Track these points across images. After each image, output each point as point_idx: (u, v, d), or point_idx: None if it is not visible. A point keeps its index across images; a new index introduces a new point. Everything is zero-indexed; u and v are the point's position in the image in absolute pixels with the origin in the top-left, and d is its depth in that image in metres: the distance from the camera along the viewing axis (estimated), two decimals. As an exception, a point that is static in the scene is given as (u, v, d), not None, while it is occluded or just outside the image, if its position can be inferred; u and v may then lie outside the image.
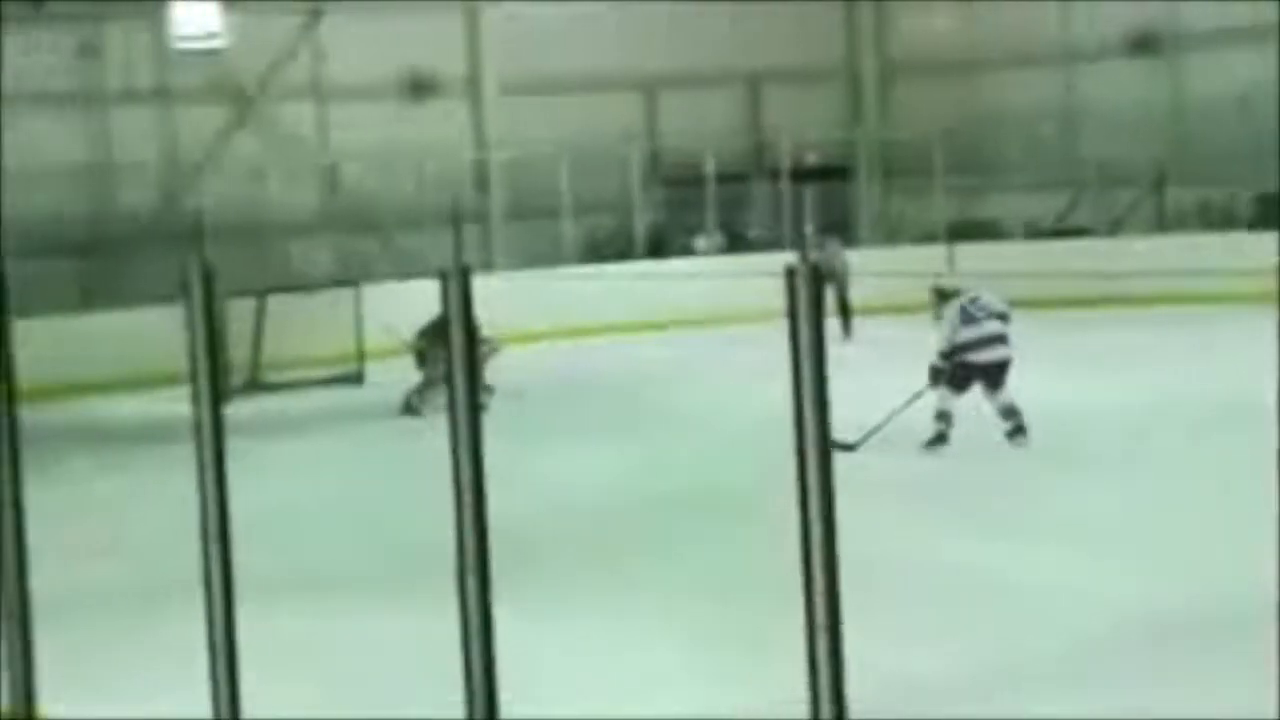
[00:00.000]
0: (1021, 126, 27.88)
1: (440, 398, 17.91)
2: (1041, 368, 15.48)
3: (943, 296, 14.06)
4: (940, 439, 13.61)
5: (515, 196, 27.28)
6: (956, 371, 13.65)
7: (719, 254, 26.75)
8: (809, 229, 24.84)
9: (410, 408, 17.48)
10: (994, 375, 13.65)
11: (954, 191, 27.19)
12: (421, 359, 17.61)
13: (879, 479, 12.31)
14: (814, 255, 22.93)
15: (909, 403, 13.76)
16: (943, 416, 13.62)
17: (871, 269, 22.48)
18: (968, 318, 13.74)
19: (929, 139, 26.79)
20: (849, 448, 13.04)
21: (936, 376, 13.68)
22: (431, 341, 16.88)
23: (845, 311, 22.71)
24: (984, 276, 15.58)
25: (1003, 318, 13.85)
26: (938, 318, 13.89)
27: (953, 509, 11.64)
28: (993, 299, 13.97)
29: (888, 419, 13.70)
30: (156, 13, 24.41)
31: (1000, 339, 13.74)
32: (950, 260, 24.43)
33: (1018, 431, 13.58)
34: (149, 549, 10.93)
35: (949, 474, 13.01)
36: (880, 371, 15.91)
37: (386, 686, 8.00)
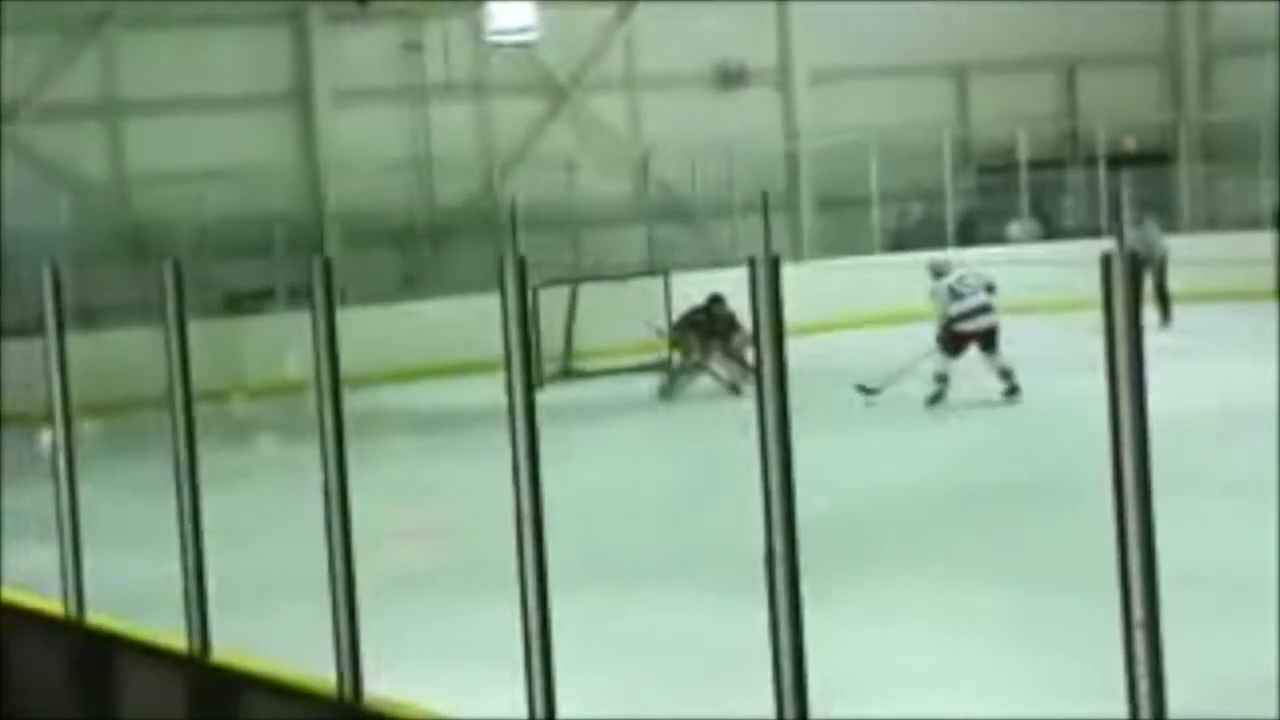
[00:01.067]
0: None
1: (692, 384, 18.53)
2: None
3: (937, 275, 16.43)
4: (938, 398, 15.85)
5: (825, 186, 27.18)
6: (952, 339, 15.93)
7: (1033, 241, 26.25)
8: (1126, 212, 24.21)
9: (665, 393, 18.69)
10: (986, 340, 15.85)
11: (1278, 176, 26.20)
12: (681, 348, 18.82)
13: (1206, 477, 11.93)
14: (1130, 235, 22.41)
15: (918, 360, 16.09)
16: (941, 378, 15.87)
17: (1192, 256, 21.82)
18: (956, 295, 16.10)
19: (1253, 122, 25.88)
20: (873, 392, 16.17)
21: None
22: (685, 331, 18.72)
23: (1164, 298, 22.08)
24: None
25: (990, 289, 16.04)
26: (933, 295, 16.24)
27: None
28: (979, 274, 16.23)
29: (901, 372, 16.11)
30: (474, 9, 24.96)
31: (987, 309, 15.95)
32: (1278, 247, 23.56)
33: (1013, 392, 15.74)
34: (467, 532, 11.18)
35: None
36: (1196, 360, 15.46)
37: (687, 681, 8.04)
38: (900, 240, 26.82)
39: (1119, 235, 23.43)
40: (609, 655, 8.33)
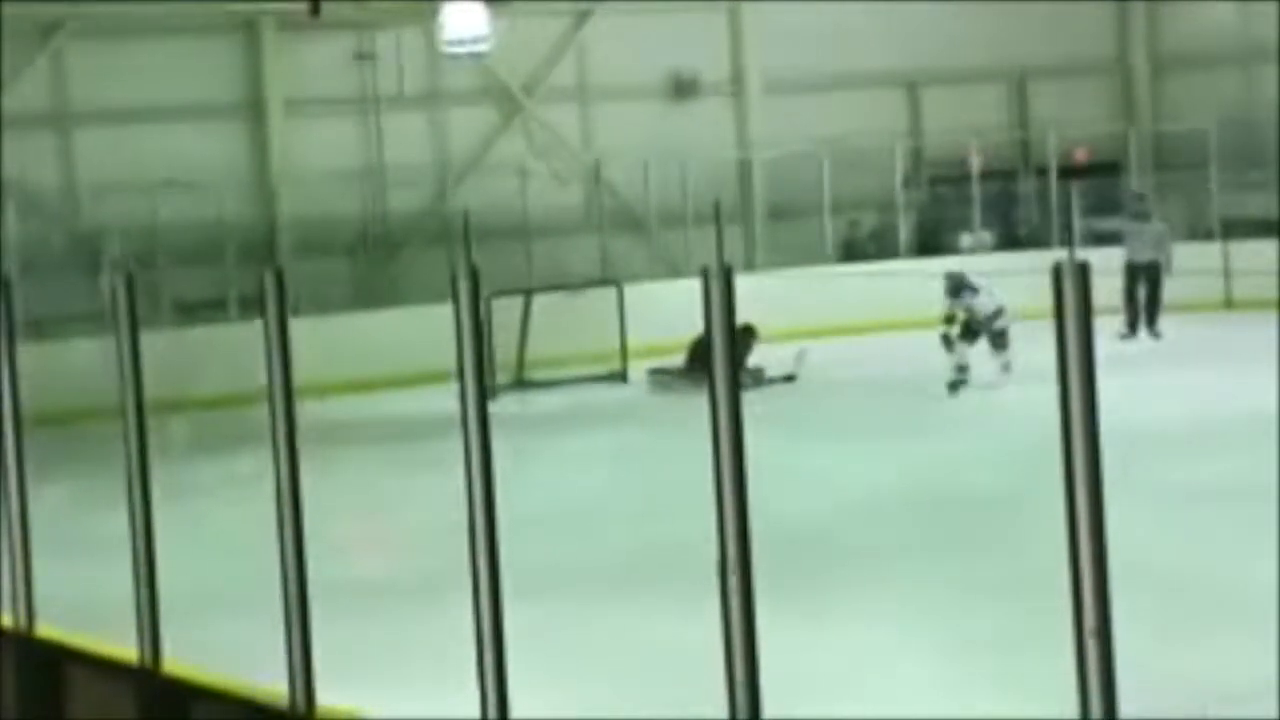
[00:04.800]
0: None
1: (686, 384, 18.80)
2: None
3: (955, 287, 18.40)
4: (959, 385, 17.93)
5: (777, 196, 27.24)
6: (972, 333, 18.22)
7: (986, 252, 26.36)
8: (1142, 203, 23.98)
9: (658, 386, 19.73)
10: (999, 337, 18.14)
11: (1228, 187, 26.39)
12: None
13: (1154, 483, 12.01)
14: (1140, 233, 22.30)
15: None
16: (962, 369, 18.00)
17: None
18: (976, 296, 18.31)
19: (1202, 134, 26.07)
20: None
21: (947, 343, 18.18)
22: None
23: (1155, 306, 21.86)
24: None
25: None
26: (956, 298, 18.39)
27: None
28: (990, 286, 18.31)
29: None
30: (428, 19, 24.93)
31: (1002, 311, 18.16)
32: (1225, 257, 23.79)
33: (1005, 369, 17.91)
34: (419, 542, 11.16)
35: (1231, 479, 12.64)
36: (1152, 369, 15.56)
37: (645, 686, 8.05)
38: (852, 250, 26.92)
39: (1070, 246, 23.55)
40: (568, 663, 8.33)
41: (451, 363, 4.20)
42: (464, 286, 4.08)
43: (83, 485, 12.44)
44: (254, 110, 24.93)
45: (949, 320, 18.40)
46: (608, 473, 14.64)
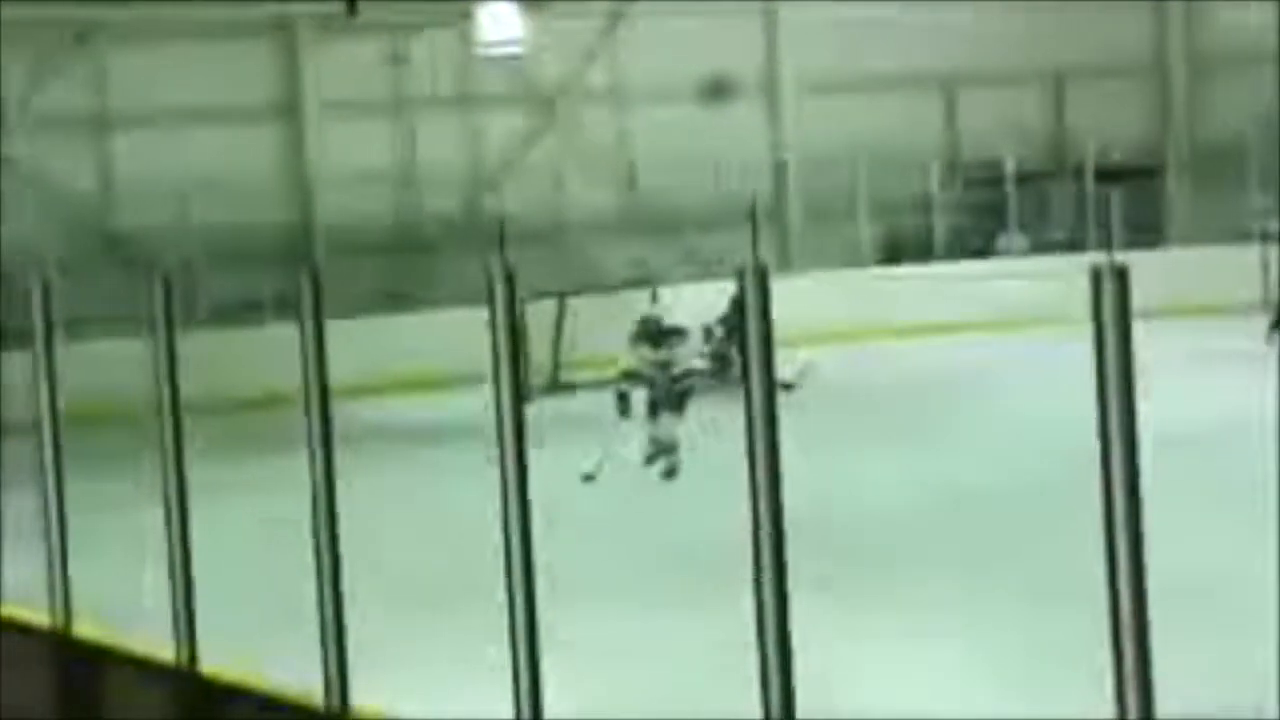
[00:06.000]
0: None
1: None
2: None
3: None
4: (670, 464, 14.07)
5: (812, 198, 27.19)
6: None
7: (1022, 255, 26.28)
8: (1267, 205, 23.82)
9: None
10: None
11: (1269, 189, 26.24)
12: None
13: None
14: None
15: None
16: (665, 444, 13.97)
17: (1180, 270, 21.87)
18: None
19: (1242, 136, 25.95)
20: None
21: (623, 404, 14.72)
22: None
23: None
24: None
25: None
26: None
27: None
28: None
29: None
30: (463, 21, 24.96)
31: None
32: (1264, 260, 23.63)
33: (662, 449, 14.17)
34: (454, 546, 11.16)
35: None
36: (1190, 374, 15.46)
37: (678, 686, 8.03)
38: (890, 252, 26.87)
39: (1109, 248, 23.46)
40: (599, 660, 8.32)
41: (486, 365, 4.20)
42: (499, 287, 4.08)
43: (118, 485, 12.48)
44: (289, 112, 25.00)
45: (628, 375, 14.83)
46: (638, 476, 14.60)
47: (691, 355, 14.61)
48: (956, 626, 8.94)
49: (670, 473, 13.57)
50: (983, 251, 26.70)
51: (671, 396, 13.86)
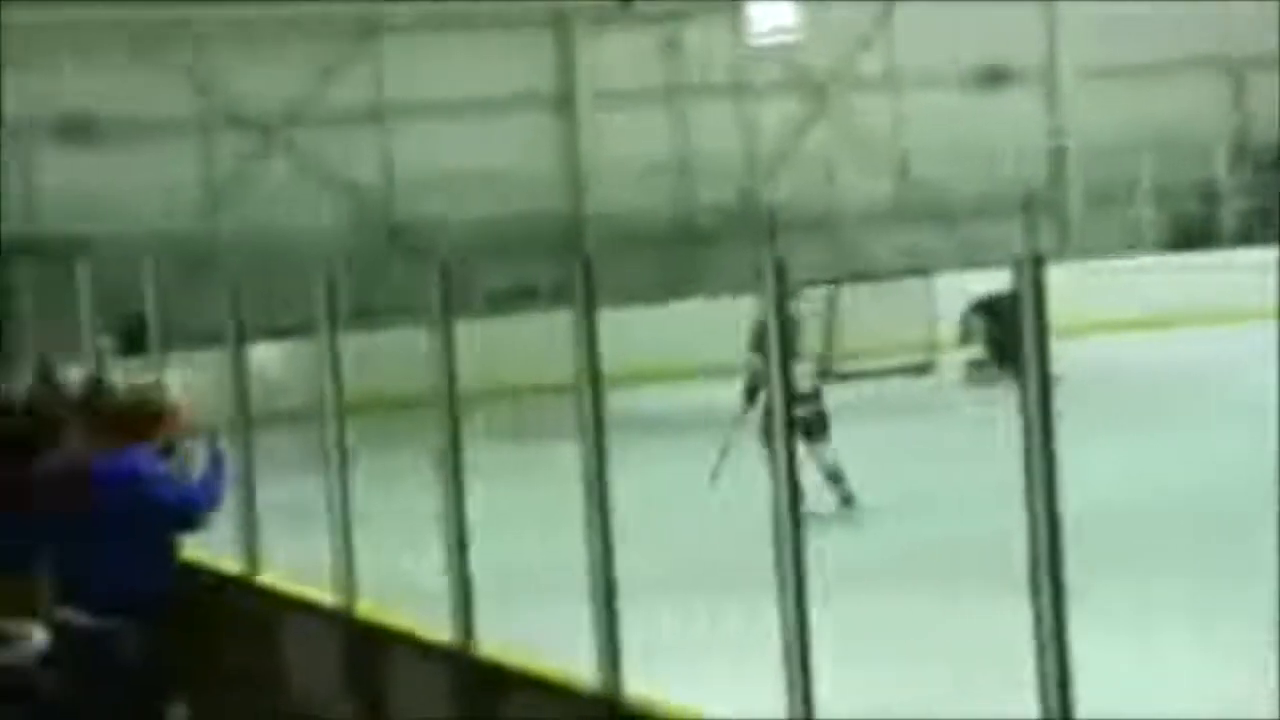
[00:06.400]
0: None
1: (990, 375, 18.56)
2: None
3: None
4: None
5: (1093, 184, 26.66)
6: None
7: (1310, 242, 25.42)
8: None
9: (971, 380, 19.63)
10: None
11: None
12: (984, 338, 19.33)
13: None
14: None
15: None
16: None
17: None
18: None
19: None
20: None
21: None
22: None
23: None
24: None
25: None
26: None
27: None
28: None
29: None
30: (735, 10, 25.02)
31: None
32: None
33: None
34: (720, 533, 11.21)
35: None
36: None
37: (952, 681, 7.96)
38: (1177, 240, 26.21)
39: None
40: (870, 652, 8.28)
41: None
42: (770, 276, 4.08)
43: (400, 468, 12.78)
44: (564, 103, 25.34)
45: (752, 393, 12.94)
46: (911, 466, 14.49)
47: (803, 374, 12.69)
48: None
49: (847, 500, 12.63)
50: (1274, 239, 25.87)
51: (815, 419, 12.57)
